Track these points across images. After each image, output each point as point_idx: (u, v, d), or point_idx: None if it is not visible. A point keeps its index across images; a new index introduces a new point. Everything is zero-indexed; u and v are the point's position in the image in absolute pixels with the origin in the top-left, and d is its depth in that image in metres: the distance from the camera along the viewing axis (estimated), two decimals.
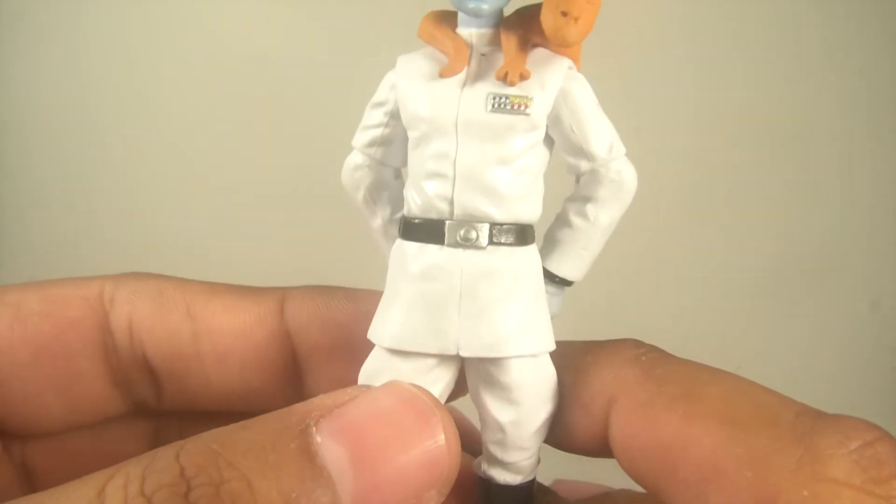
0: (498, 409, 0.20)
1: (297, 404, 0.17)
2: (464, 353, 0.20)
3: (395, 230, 0.21)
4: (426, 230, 0.20)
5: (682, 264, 0.77)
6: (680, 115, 0.74)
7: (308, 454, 0.16)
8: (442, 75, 0.19)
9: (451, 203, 0.20)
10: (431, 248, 0.20)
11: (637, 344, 0.21)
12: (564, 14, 0.19)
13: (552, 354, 0.21)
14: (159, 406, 0.26)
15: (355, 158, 0.22)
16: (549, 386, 0.21)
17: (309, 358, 0.25)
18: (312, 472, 0.16)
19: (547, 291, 0.22)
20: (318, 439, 0.16)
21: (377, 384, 0.19)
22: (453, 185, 0.19)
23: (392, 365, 0.20)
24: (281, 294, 0.25)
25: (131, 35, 0.73)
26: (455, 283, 0.19)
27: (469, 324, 0.19)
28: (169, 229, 0.73)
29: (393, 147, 0.21)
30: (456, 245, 0.20)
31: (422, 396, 0.18)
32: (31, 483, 0.25)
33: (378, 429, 0.17)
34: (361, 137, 0.22)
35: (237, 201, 0.73)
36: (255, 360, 0.25)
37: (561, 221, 0.22)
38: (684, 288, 0.78)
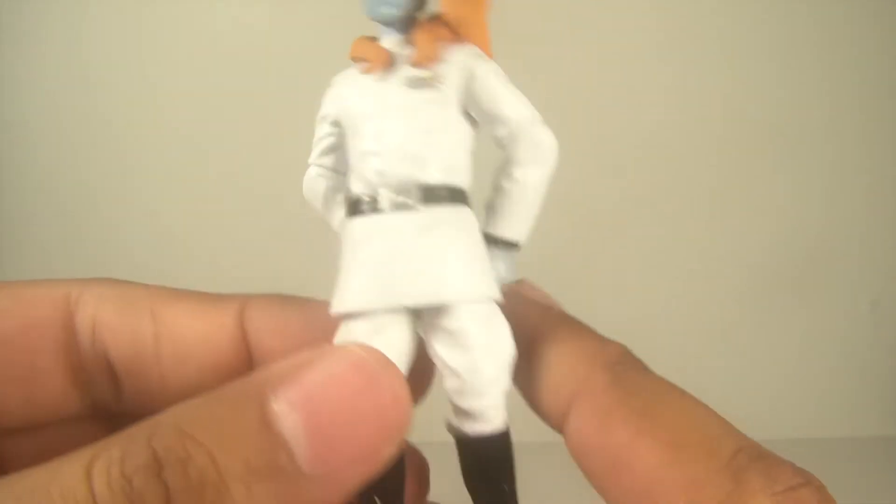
0: (450, 356, 0.22)
1: (255, 372, 0.18)
2: (409, 304, 0.21)
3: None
4: (367, 204, 0.22)
5: (680, 265, 0.77)
6: (676, 115, 0.74)
7: (265, 424, 0.17)
8: (364, 72, 0.22)
9: (385, 175, 0.22)
10: (373, 217, 0.22)
11: (622, 351, 0.22)
12: None
13: (533, 314, 0.23)
14: (117, 406, 0.27)
15: (311, 171, 0.25)
16: (499, 333, 0.22)
17: (263, 363, 0.25)
18: (270, 441, 0.17)
19: (494, 257, 0.23)
20: (275, 408, 0.17)
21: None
22: (382, 158, 0.22)
23: (350, 329, 0.21)
24: (242, 300, 0.26)
25: (131, 38, 0.73)
26: (394, 243, 0.21)
27: (410, 276, 0.21)
28: (168, 229, 0.73)
29: (340, 153, 0.23)
30: (392, 210, 0.21)
31: (370, 359, 0.19)
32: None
33: (330, 394, 0.18)
34: (314, 152, 0.24)
35: (238, 201, 0.73)
36: (212, 363, 0.25)
37: (495, 190, 0.24)
38: (683, 289, 0.78)
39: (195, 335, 0.25)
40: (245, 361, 0.26)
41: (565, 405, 0.21)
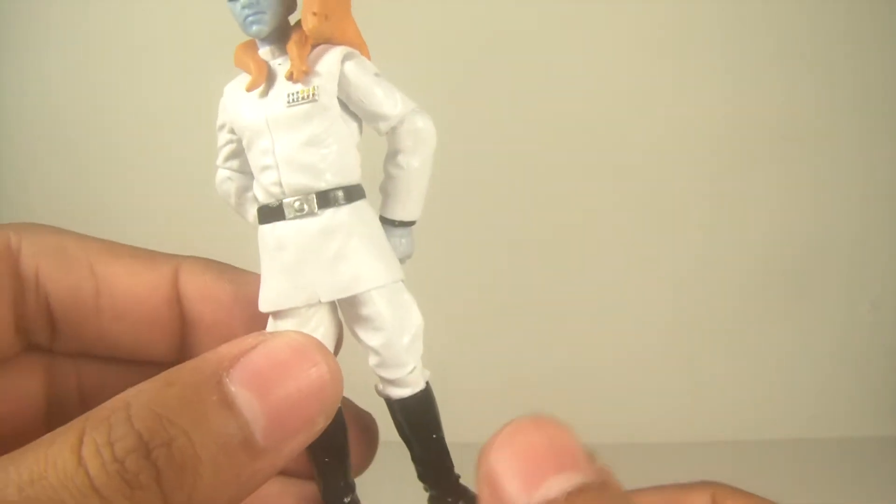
0: (368, 338, 0.25)
1: (207, 354, 0.20)
2: (324, 299, 0.24)
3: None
4: (271, 212, 0.25)
5: (679, 266, 0.77)
6: (675, 116, 0.74)
7: (227, 403, 0.19)
8: (247, 90, 0.24)
9: (281, 185, 0.24)
10: (278, 225, 0.25)
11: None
12: (315, 14, 0.23)
13: None
14: (51, 346, 0.29)
15: (220, 174, 0.28)
16: (406, 309, 0.25)
17: (192, 326, 0.28)
18: (233, 419, 0.19)
19: (395, 236, 0.26)
20: (233, 389, 0.19)
21: None
22: (278, 171, 0.24)
23: (278, 325, 0.25)
24: (176, 262, 0.28)
25: (133, 33, 0.73)
26: (301, 246, 0.24)
27: (321, 274, 0.24)
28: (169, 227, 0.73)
29: (244, 156, 0.26)
30: (295, 217, 0.24)
31: (307, 343, 0.21)
32: None
33: (277, 374, 0.20)
34: (220, 156, 0.27)
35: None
36: (147, 321, 0.28)
37: (386, 176, 0.26)
38: (683, 289, 0.78)
39: (133, 295, 0.28)
40: (178, 321, 0.28)
41: None
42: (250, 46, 0.25)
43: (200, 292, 0.28)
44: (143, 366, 0.29)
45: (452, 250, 0.73)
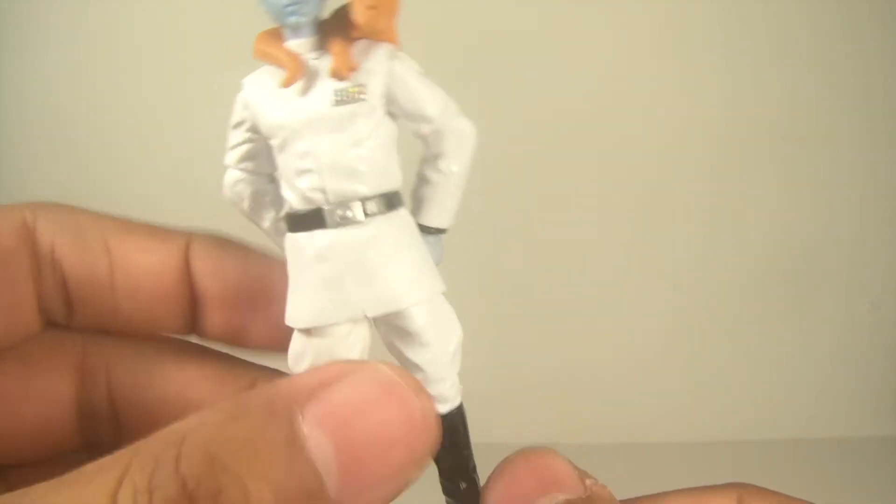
0: (413, 354, 0.23)
1: (281, 384, 0.18)
2: (370, 314, 0.23)
3: (283, 226, 0.24)
4: (309, 220, 0.23)
5: (679, 266, 0.77)
6: (675, 115, 0.74)
7: (296, 447, 0.17)
8: (284, 86, 0.22)
9: (324, 191, 0.22)
10: (318, 234, 0.23)
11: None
12: (372, 7, 0.22)
13: None
14: (68, 323, 0.29)
15: (232, 175, 0.25)
16: (448, 320, 0.24)
17: (202, 301, 0.28)
18: (301, 465, 0.17)
19: (428, 244, 0.25)
20: (305, 430, 0.17)
21: (304, 364, 0.23)
22: (321, 176, 0.22)
23: (313, 342, 0.23)
24: (187, 238, 0.28)
25: (133, 32, 0.73)
26: (345, 257, 0.22)
27: (366, 288, 0.22)
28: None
29: (261, 157, 0.24)
30: (337, 225, 0.22)
31: (400, 382, 0.19)
32: None
33: (359, 414, 0.18)
34: (232, 156, 0.25)
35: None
36: (160, 296, 0.27)
37: (421, 180, 0.25)
38: (683, 290, 0.78)
39: (146, 270, 0.27)
40: (188, 298, 0.28)
41: None
42: (275, 37, 0.23)
43: (209, 267, 0.27)
44: (163, 344, 0.28)
45: (450, 251, 0.73)
